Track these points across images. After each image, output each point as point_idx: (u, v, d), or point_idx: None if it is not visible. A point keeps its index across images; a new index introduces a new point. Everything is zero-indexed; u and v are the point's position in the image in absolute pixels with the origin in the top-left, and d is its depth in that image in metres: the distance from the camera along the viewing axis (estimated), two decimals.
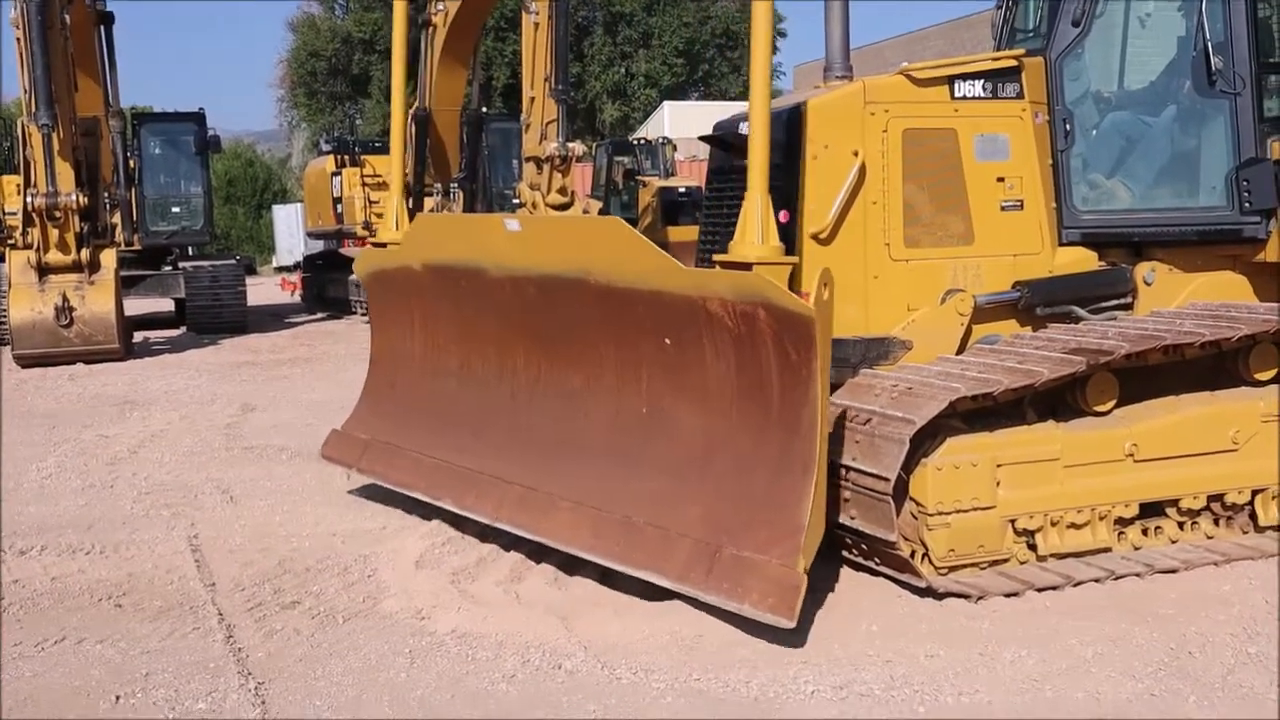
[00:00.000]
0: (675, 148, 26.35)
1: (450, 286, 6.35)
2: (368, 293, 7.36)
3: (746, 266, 4.62)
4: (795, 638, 4.58)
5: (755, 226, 4.70)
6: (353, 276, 20.12)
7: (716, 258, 4.84)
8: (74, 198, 14.20)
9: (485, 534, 5.91)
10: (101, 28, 16.72)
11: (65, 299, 14.16)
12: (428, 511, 6.48)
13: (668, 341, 5.07)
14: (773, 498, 4.63)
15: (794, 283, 5.75)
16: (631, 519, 5.06)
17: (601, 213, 21.33)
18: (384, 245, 6.95)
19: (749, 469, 4.78)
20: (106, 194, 17.14)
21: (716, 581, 4.59)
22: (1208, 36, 6.07)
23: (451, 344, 6.56)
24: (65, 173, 14.26)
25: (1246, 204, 6.16)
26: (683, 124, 36.77)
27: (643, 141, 26.82)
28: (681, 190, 21.94)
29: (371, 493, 7.12)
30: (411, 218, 21.75)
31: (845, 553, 5.32)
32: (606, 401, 5.51)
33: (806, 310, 4.44)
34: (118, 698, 4.25)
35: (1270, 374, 5.71)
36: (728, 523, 4.73)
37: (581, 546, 5.22)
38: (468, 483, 6.01)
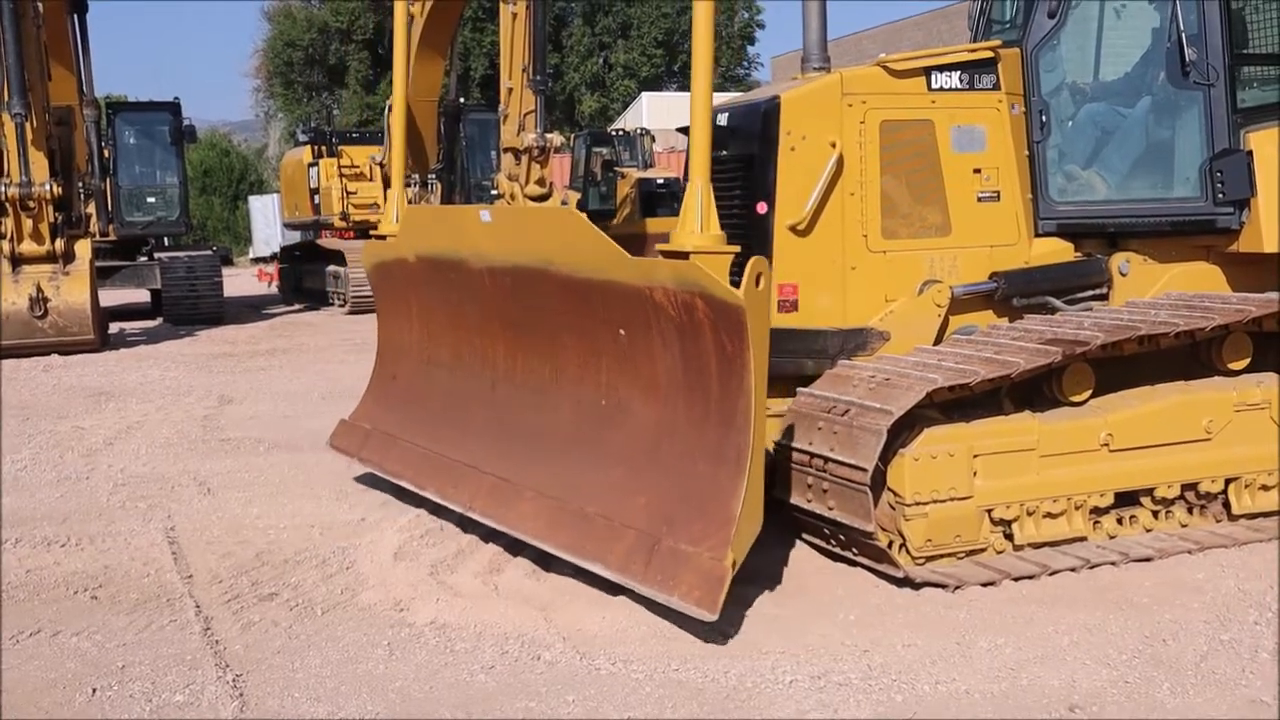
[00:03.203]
0: (654, 139, 26.34)
1: (440, 277, 6.40)
2: (372, 285, 7.44)
3: (686, 256, 4.56)
4: (774, 628, 4.61)
5: (695, 215, 4.61)
6: (330, 268, 20.23)
7: (659, 247, 4.79)
8: (48, 187, 14.11)
9: (464, 525, 5.92)
10: (75, 16, 16.60)
11: (40, 290, 14.05)
12: (406, 503, 6.50)
13: (622, 333, 5.07)
14: (709, 490, 4.60)
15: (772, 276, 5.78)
16: (585, 510, 5.08)
17: (580, 204, 21.31)
18: (384, 238, 6.99)
19: (690, 461, 4.77)
20: (81, 184, 17.02)
21: (653, 573, 4.59)
22: (1182, 28, 6.11)
23: (443, 334, 6.62)
24: (39, 162, 14.15)
25: (1220, 195, 6.20)
26: (661, 115, 36.75)
27: (621, 132, 26.79)
28: (660, 181, 21.93)
29: (350, 484, 7.12)
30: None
31: (823, 542, 5.35)
32: (571, 393, 5.55)
33: (736, 299, 4.38)
34: (94, 690, 4.23)
35: (1243, 364, 5.75)
36: (668, 514, 4.73)
37: (538, 536, 5.26)
38: (449, 473, 6.08)
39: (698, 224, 4.60)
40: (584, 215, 5.28)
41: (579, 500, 5.14)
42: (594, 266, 5.06)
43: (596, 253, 5.01)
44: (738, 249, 4.61)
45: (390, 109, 20.03)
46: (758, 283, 4.45)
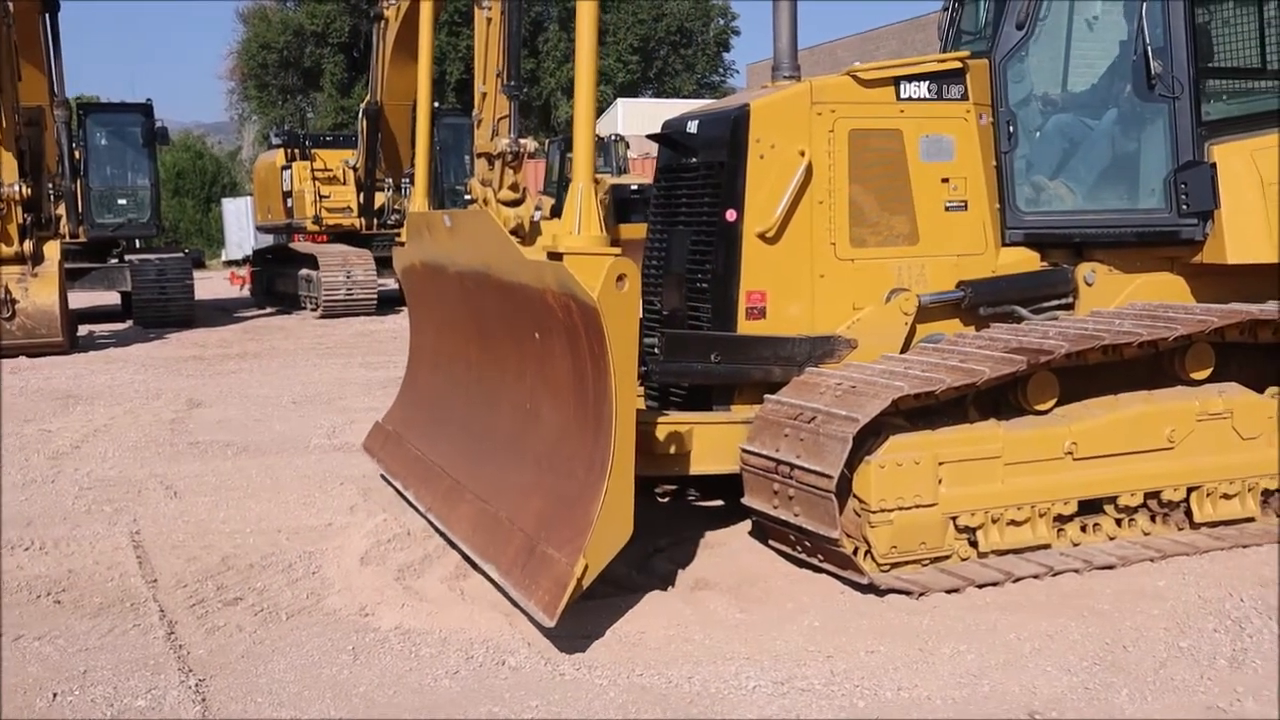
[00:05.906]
0: (628, 145, 26.30)
1: (435, 280, 6.47)
2: (403, 289, 7.58)
3: (562, 257, 4.54)
4: (739, 633, 4.62)
5: (574, 216, 4.57)
6: (302, 271, 20.15)
7: (544, 248, 4.78)
8: (17, 188, 14.01)
9: (431, 529, 5.91)
10: (46, 15, 16.46)
11: (8, 291, 13.94)
12: (373, 508, 6.50)
13: (537, 336, 5.09)
14: (577, 495, 4.61)
15: (740, 283, 5.82)
16: (499, 513, 5.14)
17: (553, 210, 21.29)
18: (403, 244, 7.11)
19: (572, 465, 4.78)
20: (51, 185, 16.89)
21: (525, 577, 4.60)
22: (1148, 41, 6.17)
23: (441, 337, 6.72)
24: (8, 163, 14.06)
25: (1184, 206, 6.27)
26: (636, 121, 36.75)
27: (595, 139, 26.75)
28: (634, 188, 21.90)
29: (317, 489, 7.11)
30: (361, 212, 21.49)
31: (788, 548, 5.37)
32: (509, 395, 5.58)
33: (590, 300, 4.37)
34: (55, 695, 4.20)
35: (1205, 374, 5.81)
36: (550, 518, 4.75)
37: (463, 538, 5.32)
38: (426, 475, 6.16)
39: (576, 225, 4.56)
40: (492, 216, 5.32)
41: (497, 503, 5.21)
42: (509, 269, 5.10)
43: (506, 255, 5.07)
44: (617, 251, 4.50)
45: (363, 113, 19.98)
46: (620, 284, 4.40)
